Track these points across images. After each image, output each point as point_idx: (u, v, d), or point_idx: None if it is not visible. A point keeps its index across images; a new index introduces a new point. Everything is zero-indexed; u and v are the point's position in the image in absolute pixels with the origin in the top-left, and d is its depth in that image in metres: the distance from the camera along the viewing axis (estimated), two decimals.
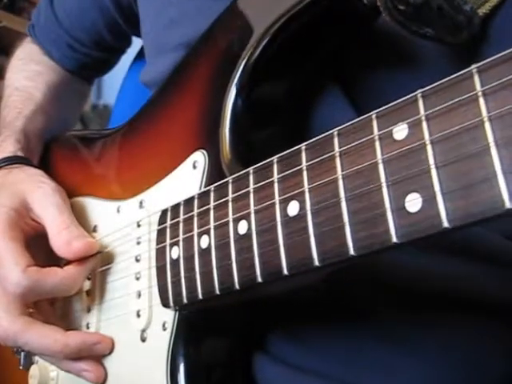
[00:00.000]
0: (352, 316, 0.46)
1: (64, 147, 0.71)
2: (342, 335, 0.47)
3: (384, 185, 0.30)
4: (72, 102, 0.82)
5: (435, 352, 0.45)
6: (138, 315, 0.48)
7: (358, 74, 0.48)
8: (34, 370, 0.59)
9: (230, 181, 0.40)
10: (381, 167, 0.30)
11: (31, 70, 0.78)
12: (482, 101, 0.26)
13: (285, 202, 0.35)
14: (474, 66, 0.27)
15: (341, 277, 0.39)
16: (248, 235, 0.37)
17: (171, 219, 0.45)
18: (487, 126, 0.26)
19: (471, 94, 0.27)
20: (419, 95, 0.29)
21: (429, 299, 0.45)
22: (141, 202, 0.52)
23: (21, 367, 0.62)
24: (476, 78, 0.27)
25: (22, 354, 0.62)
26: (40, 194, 0.56)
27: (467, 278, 0.46)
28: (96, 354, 0.52)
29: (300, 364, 0.46)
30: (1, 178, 0.61)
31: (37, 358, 0.60)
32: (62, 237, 0.52)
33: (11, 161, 0.64)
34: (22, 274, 0.50)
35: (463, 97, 0.27)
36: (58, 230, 0.53)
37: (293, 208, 0.35)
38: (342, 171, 0.32)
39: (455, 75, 0.28)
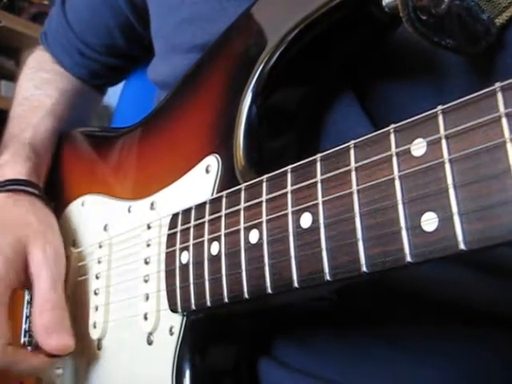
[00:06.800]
0: (358, 322, 0.46)
1: (76, 144, 0.70)
2: (348, 340, 0.46)
3: (400, 202, 0.29)
4: (83, 110, 0.80)
5: (443, 362, 0.45)
6: (146, 318, 0.48)
7: (372, 82, 0.47)
8: None
9: (243, 188, 0.39)
10: (397, 183, 0.30)
11: (40, 78, 0.76)
12: (504, 121, 0.26)
13: (298, 214, 0.35)
14: (497, 85, 0.26)
15: (353, 290, 0.39)
16: (259, 245, 0.37)
17: (182, 224, 0.44)
18: (509, 147, 0.25)
19: (494, 113, 0.26)
20: (439, 112, 0.29)
21: (441, 309, 0.45)
22: (152, 204, 0.52)
23: None
24: (499, 97, 0.26)
25: (29, 348, 0.63)
26: (41, 253, 0.54)
27: (480, 288, 0.46)
28: None
29: (305, 368, 0.46)
30: (5, 205, 0.58)
31: None
32: (43, 319, 0.51)
33: (20, 185, 0.61)
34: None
35: (486, 118, 0.26)
36: (42, 308, 0.52)
37: (306, 220, 0.34)
38: (358, 185, 0.32)
39: (478, 93, 0.27)
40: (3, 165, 0.64)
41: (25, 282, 0.55)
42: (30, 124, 0.70)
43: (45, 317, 0.52)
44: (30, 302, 0.56)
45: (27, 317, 0.60)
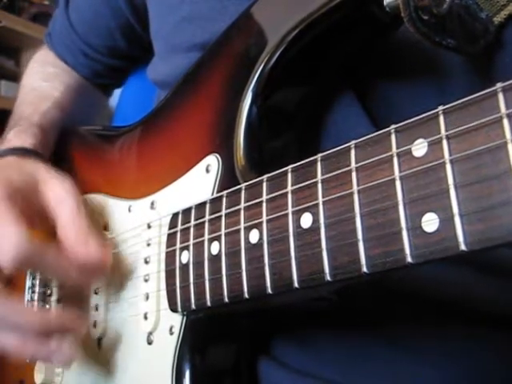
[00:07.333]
0: (358, 322, 0.46)
1: (77, 142, 0.70)
2: (348, 340, 0.46)
3: (401, 202, 0.29)
4: (84, 107, 0.80)
5: (443, 361, 0.45)
6: (146, 317, 0.48)
7: (373, 82, 0.47)
8: (39, 365, 0.59)
9: (243, 188, 0.39)
10: (398, 184, 0.30)
11: (47, 72, 0.77)
12: (505, 122, 0.26)
13: (298, 214, 0.35)
14: (499, 85, 0.26)
15: (354, 290, 0.39)
16: (259, 245, 0.37)
17: (182, 223, 0.44)
18: (510, 147, 0.25)
19: (495, 114, 0.26)
20: (440, 112, 0.28)
21: (441, 309, 0.45)
22: (152, 203, 0.52)
23: (27, 360, 0.62)
24: (501, 98, 0.26)
25: None
26: (60, 185, 0.52)
27: (480, 288, 0.46)
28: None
29: (304, 368, 0.46)
30: (13, 162, 0.58)
31: None
32: (80, 229, 0.49)
33: (29, 152, 0.62)
34: (26, 240, 0.45)
35: (487, 118, 0.26)
36: (75, 221, 0.49)
37: (306, 220, 0.34)
38: (358, 185, 0.32)
39: (479, 93, 0.27)
40: (10, 139, 0.65)
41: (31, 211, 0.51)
42: (37, 110, 0.70)
43: (79, 228, 0.49)
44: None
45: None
